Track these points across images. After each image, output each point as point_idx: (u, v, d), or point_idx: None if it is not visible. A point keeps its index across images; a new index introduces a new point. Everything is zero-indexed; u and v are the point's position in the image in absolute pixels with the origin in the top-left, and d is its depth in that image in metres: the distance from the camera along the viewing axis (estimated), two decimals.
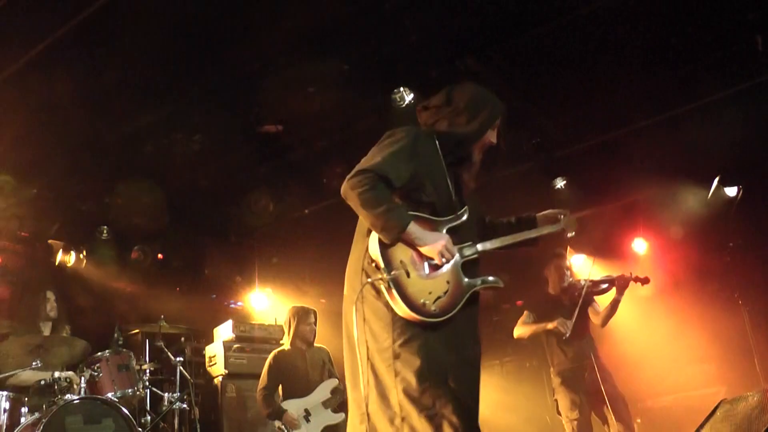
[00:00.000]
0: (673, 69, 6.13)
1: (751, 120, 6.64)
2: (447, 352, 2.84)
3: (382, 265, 2.79)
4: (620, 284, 5.59)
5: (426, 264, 2.87)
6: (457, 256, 2.92)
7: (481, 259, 3.08)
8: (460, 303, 2.88)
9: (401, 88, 5.93)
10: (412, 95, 5.93)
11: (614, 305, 5.65)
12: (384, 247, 2.82)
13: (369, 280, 2.83)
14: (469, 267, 2.99)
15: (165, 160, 6.94)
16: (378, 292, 2.84)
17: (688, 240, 7.65)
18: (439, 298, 2.82)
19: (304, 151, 7.06)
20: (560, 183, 7.53)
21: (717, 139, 6.57)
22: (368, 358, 2.83)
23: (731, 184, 6.21)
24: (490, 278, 3.00)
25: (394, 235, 2.80)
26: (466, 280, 2.94)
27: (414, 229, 2.82)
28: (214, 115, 6.39)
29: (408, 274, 2.81)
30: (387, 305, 2.82)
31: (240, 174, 7.51)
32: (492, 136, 3.16)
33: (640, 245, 7.98)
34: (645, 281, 5.67)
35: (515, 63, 5.92)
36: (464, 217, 3.01)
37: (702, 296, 7.31)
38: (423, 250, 2.84)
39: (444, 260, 2.85)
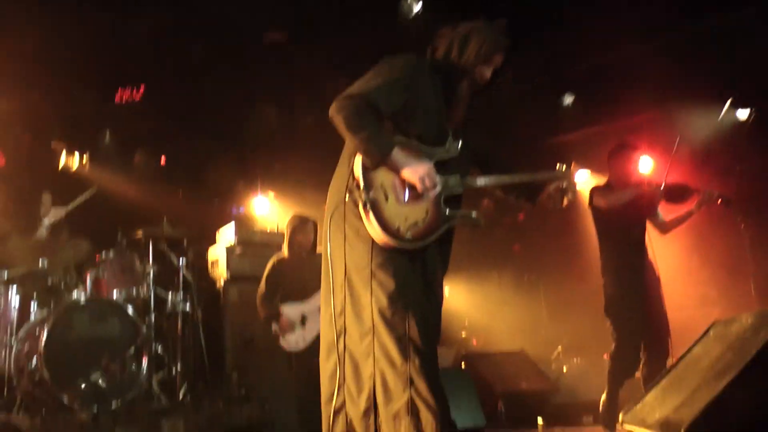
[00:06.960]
0: None
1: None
2: (416, 279, 2.86)
3: (362, 185, 2.78)
4: (703, 199, 4.88)
5: (407, 190, 2.84)
6: (440, 186, 2.88)
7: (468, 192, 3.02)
8: (435, 233, 2.87)
9: None
10: (420, 4, 5.75)
11: (687, 217, 5.06)
12: (366, 169, 2.80)
13: (347, 197, 2.82)
14: (453, 201, 2.96)
15: (169, 64, 6.83)
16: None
17: (694, 161, 7.60)
18: (415, 224, 2.81)
19: (309, 58, 6.94)
20: (568, 99, 7.42)
21: (732, 60, 6.43)
22: (345, 275, 2.85)
23: (744, 107, 6.08)
24: (471, 213, 2.97)
25: (375, 160, 2.78)
26: (446, 211, 2.91)
27: (397, 153, 2.80)
28: (220, 19, 6.25)
29: (387, 198, 2.79)
30: None
31: (245, 80, 7.40)
32: (485, 71, 3.02)
33: (646, 163, 7.93)
34: (728, 203, 4.96)
35: None
36: (455, 151, 2.96)
37: (703, 219, 7.31)
38: (404, 173, 2.80)
39: (425, 187, 2.81)
